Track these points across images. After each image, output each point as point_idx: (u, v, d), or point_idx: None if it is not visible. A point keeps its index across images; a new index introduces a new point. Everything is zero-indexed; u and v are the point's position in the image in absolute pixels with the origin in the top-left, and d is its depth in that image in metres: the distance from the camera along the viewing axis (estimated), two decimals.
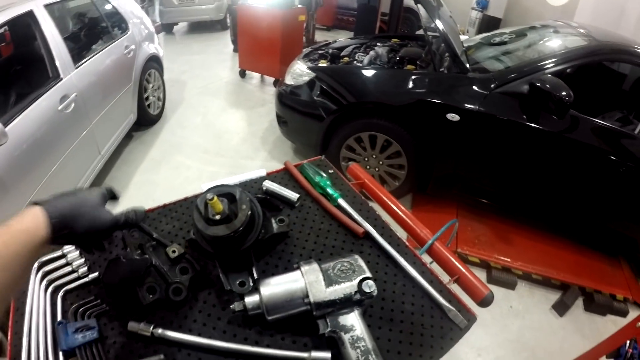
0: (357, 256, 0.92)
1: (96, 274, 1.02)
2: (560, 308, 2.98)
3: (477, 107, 2.98)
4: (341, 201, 1.22)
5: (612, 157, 2.87)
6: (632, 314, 3.00)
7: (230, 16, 7.97)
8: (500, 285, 3.08)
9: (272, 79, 6.58)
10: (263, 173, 1.36)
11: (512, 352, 2.69)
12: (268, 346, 0.89)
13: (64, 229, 0.75)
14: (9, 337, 0.90)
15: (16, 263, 0.66)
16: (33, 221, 0.73)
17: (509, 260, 3.15)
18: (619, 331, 1.91)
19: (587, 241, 3.36)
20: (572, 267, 3.17)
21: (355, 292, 0.85)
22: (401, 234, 1.22)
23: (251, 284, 0.96)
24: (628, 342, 2.04)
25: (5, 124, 2.38)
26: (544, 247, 3.33)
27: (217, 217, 0.91)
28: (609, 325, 2.94)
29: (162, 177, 4.11)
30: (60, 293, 0.98)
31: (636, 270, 3.36)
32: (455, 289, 1.09)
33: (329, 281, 0.86)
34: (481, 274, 3.12)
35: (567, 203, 3.18)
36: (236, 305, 0.88)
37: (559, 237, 3.38)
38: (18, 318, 0.93)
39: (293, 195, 1.22)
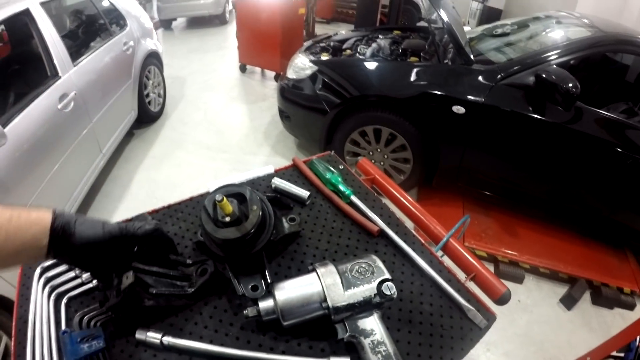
0: (374, 256, 0.88)
1: None
2: (568, 302, 2.97)
3: (483, 99, 2.95)
4: (354, 198, 1.18)
5: (618, 149, 2.84)
6: None
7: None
8: (507, 279, 3.06)
9: (272, 73, 6.54)
10: (271, 170, 1.32)
11: (521, 346, 2.68)
12: (284, 352, 0.85)
13: (62, 236, 0.75)
14: (12, 347, 0.87)
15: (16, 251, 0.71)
16: (41, 218, 0.74)
17: (516, 253, 3.13)
18: (630, 326, 1.89)
19: (593, 234, 3.34)
20: (579, 260, 3.15)
21: (375, 295, 0.82)
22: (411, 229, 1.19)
23: (264, 288, 0.92)
24: (639, 337, 2.02)
25: (5, 125, 2.35)
26: (551, 240, 3.30)
27: (227, 219, 0.87)
28: (617, 318, 2.93)
29: (164, 175, 4.08)
30: (64, 300, 0.94)
31: None
32: (471, 286, 1.06)
33: (347, 284, 0.82)
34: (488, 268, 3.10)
35: (573, 195, 3.16)
36: (249, 311, 0.84)
37: (565, 230, 3.36)
38: (21, 326, 0.90)
39: (304, 193, 1.19)
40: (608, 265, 3.19)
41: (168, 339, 0.85)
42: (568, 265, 3.09)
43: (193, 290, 0.90)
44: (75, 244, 0.76)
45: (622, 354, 2.15)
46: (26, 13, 2.93)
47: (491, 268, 3.12)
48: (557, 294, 3.06)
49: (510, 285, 2.99)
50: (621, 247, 3.35)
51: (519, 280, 3.08)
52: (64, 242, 0.76)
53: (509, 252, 3.14)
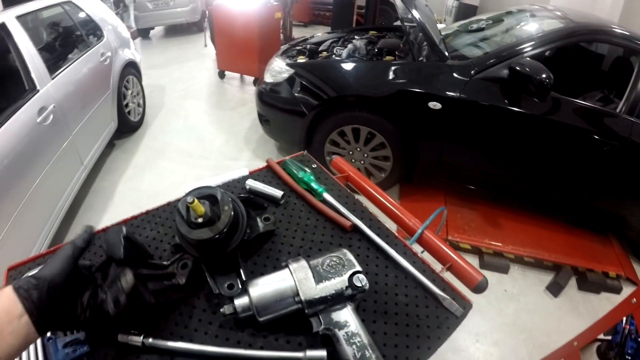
0: (345, 250, 0.90)
1: None
2: (554, 289, 3.01)
3: (459, 94, 2.99)
4: (326, 195, 1.20)
5: (596, 137, 2.90)
6: (626, 290, 3.05)
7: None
8: (493, 270, 3.09)
9: (251, 79, 6.57)
10: (245, 172, 1.34)
11: (510, 335, 2.71)
12: (262, 348, 0.87)
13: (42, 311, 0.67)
14: None
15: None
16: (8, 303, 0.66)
17: (500, 244, 3.17)
18: (615, 308, 1.92)
19: (576, 221, 3.40)
20: (563, 248, 3.20)
21: (347, 287, 0.83)
22: (390, 225, 1.20)
23: (240, 286, 0.93)
24: (625, 318, 2.05)
25: None
26: (534, 229, 3.36)
27: (200, 220, 0.88)
28: (604, 302, 2.98)
29: (147, 184, 4.06)
30: None
31: (627, 247, 3.39)
32: (449, 277, 1.07)
33: (319, 278, 0.84)
34: (473, 260, 3.13)
35: (554, 184, 3.21)
36: (226, 309, 0.85)
37: (548, 218, 3.42)
38: None
39: (277, 193, 1.20)
40: (592, 251, 3.24)
41: (149, 340, 0.85)
42: (552, 253, 3.14)
43: (184, 280, 0.92)
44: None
45: (609, 337, 2.18)
46: (2, 27, 2.92)
47: (476, 260, 3.15)
48: (543, 282, 3.10)
49: (495, 275, 3.06)
50: (604, 233, 3.41)
51: (504, 270, 3.12)
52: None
53: (493, 243, 3.18)
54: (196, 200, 0.86)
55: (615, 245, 3.34)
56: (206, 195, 0.94)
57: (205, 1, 8.23)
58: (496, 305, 2.90)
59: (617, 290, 3.05)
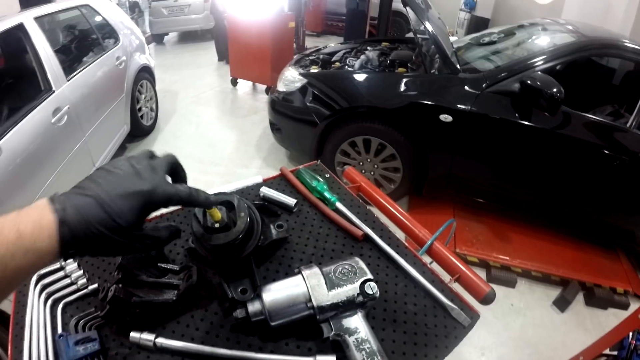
0: (357, 258, 0.91)
1: (95, 285, 1.00)
2: (561, 304, 3.00)
3: (470, 107, 3.00)
4: (339, 205, 1.22)
5: (606, 151, 2.89)
6: (634, 306, 3.03)
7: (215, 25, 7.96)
8: (500, 284, 3.09)
9: (264, 87, 6.61)
10: (259, 180, 1.36)
11: (515, 349, 2.70)
12: (272, 352, 0.88)
13: (78, 246, 0.58)
14: (9, 352, 0.89)
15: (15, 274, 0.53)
16: (47, 241, 0.55)
17: (507, 258, 3.16)
18: (622, 323, 1.92)
19: (584, 236, 3.38)
20: (571, 263, 3.19)
21: (358, 294, 0.84)
22: (399, 236, 1.22)
23: (253, 291, 0.95)
24: (631, 333, 2.05)
25: None
26: (542, 243, 3.34)
27: (216, 225, 0.90)
28: (611, 318, 2.96)
29: None
30: (60, 306, 0.97)
31: (635, 262, 3.38)
32: (457, 288, 1.09)
33: (331, 284, 0.85)
34: (481, 273, 3.12)
35: (563, 198, 3.20)
36: (239, 313, 0.87)
37: (556, 233, 3.40)
38: (18, 332, 0.92)
39: (290, 201, 1.22)
40: (600, 266, 3.22)
41: (161, 341, 0.87)
42: (560, 268, 3.13)
43: (175, 298, 0.92)
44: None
45: (615, 352, 2.17)
46: (20, 28, 2.98)
47: (483, 273, 3.15)
48: (550, 296, 3.09)
49: (502, 289, 3.05)
50: (612, 248, 3.39)
51: (511, 284, 3.11)
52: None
53: (501, 256, 3.17)
54: (214, 206, 0.88)
55: (623, 260, 3.32)
56: (223, 201, 0.96)
57: (210, 8, 8.23)
58: (502, 319, 2.89)
59: (625, 306, 3.03)
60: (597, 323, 2.93)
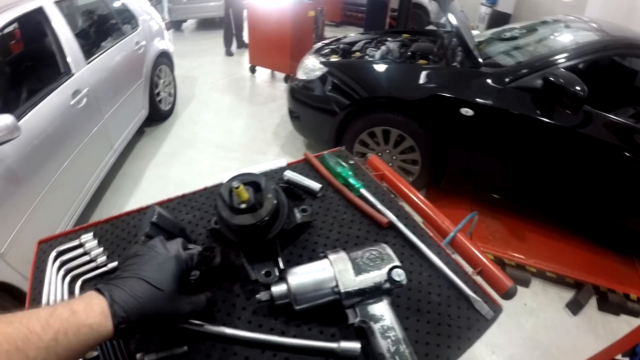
0: (385, 245, 0.90)
1: (115, 263, 1.00)
2: (574, 307, 2.97)
3: (491, 102, 2.97)
4: (364, 191, 1.20)
5: (626, 154, 2.85)
6: None
7: (225, 13, 7.89)
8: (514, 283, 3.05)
9: (282, 75, 6.60)
10: (284, 163, 1.35)
11: (526, 349, 2.69)
12: (295, 337, 0.87)
13: (131, 331, 0.67)
14: None
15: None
16: (99, 317, 0.63)
17: (522, 257, 3.13)
18: (635, 330, 1.89)
19: (601, 239, 3.33)
20: (586, 266, 3.15)
21: (385, 281, 0.83)
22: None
23: (277, 274, 0.94)
24: None
25: (18, 119, 2.37)
26: (558, 244, 3.31)
27: (243, 205, 0.89)
28: (623, 325, 2.93)
29: (174, 172, 4.12)
30: (78, 283, 0.96)
31: None
32: (478, 280, 1.07)
33: (358, 270, 0.84)
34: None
35: (581, 199, 3.15)
36: (262, 295, 0.86)
37: (572, 234, 3.36)
38: (34, 308, 0.92)
39: (315, 185, 1.21)
40: (615, 271, 3.18)
41: None
42: (575, 270, 3.09)
43: (197, 277, 0.89)
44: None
45: (626, 359, 2.14)
46: (40, 11, 2.98)
47: None
48: (563, 298, 3.06)
49: None
50: (628, 254, 3.34)
51: (525, 283, 3.09)
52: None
53: (516, 255, 3.14)
54: (242, 186, 0.87)
55: (638, 267, 3.27)
56: (250, 182, 0.95)
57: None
58: (515, 318, 2.87)
59: (637, 314, 2.99)
60: (609, 329, 2.90)
